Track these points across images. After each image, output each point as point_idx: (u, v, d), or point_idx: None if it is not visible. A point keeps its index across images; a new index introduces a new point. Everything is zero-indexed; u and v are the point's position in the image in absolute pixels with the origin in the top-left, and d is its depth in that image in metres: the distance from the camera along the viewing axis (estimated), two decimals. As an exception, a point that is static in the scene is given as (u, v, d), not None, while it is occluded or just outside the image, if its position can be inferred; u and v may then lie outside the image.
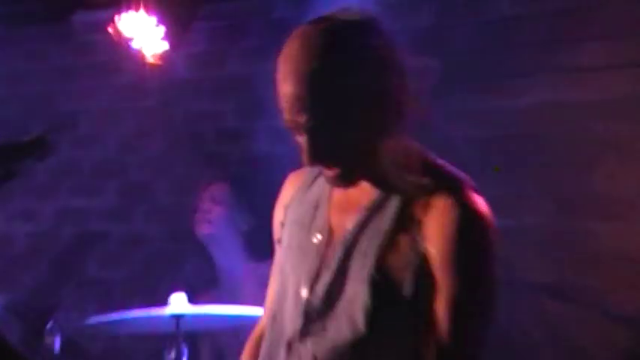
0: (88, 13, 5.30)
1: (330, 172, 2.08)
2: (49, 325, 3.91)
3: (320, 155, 2.03)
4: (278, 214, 2.33)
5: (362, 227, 2.09)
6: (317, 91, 1.99)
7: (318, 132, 2.00)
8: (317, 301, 2.09)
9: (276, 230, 2.32)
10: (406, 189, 2.05)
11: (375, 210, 2.09)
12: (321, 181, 2.21)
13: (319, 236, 2.14)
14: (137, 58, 4.33)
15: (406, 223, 2.03)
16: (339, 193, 2.17)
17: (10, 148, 2.19)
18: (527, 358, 4.22)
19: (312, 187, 2.25)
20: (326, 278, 2.08)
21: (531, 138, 4.33)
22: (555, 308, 4.20)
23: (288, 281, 2.17)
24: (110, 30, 4.48)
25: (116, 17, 4.55)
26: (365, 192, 2.12)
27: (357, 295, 2.03)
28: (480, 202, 2.04)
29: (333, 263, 2.09)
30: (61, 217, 5.41)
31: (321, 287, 2.09)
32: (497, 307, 2.03)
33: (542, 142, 4.29)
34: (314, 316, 2.08)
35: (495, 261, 2.02)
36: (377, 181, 2.10)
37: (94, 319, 3.98)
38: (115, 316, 3.85)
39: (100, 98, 5.27)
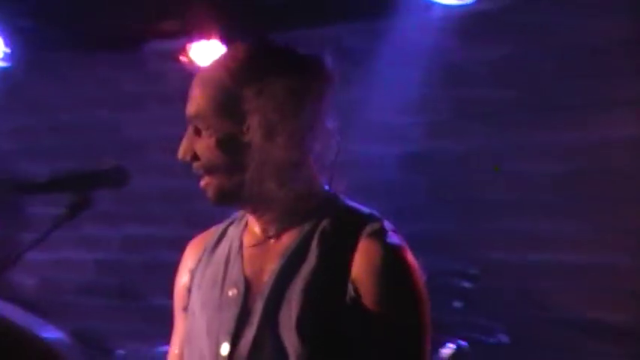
0: (160, 42, 5.33)
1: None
2: (117, 354, 3.90)
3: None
4: (181, 280, 2.25)
5: (282, 275, 1.99)
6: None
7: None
8: (242, 357, 1.98)
9: (180, 297, 2.23)
10: (324, 231, 1.98)
11: (294, 256, 2.00)
12: (229, 239, 2.13)
13: (234, 290, 2.04)
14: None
15: (330, 266, 1.95)
16: (251, 246, 2.08)
17: (88, 177, 2.17)
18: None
19: (217, 247, 2.16)
20: (250, 332, 1.98)
21: (608, 173, 4.23)
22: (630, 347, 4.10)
23: (203, 345, 2.05)
24: (182, 59, 4.49)
25: (188, 46, 4.57)
26: (280, 240, 2.04)
27: (287, 344, 1.93)
28: (405, 246, 1.97)
29: (255, 316, 1.98)
30: (128, 245, 5.42)
31: (246, 342, 1.98)
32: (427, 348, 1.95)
33: (620, 177, 4.20)
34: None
35: (427, 305, 1.95)
36: (288, 224, 2.03)
37: (161, 348, 3.95)
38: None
39: (169, 127, 5.27)
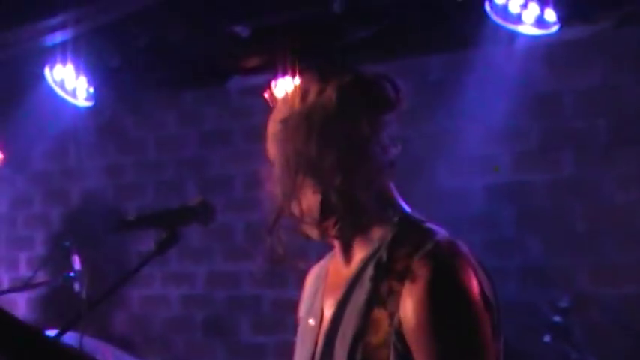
0: (244, 78, 5.37)
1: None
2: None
3: None
4: (298, 311, 2.24)
5: (342, 307, 1.95)
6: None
7: None
8: None
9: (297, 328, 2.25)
10: (382, 255, 1.91)
11: (353, 284, 1.95)
12: (324, 269, 2.12)
13: (312, 321, 2.04)
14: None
15: (383, 295, 1.88)
16: (332, 272, 2.06)
17: (175, 214, 2.18)
18: None
19: (320, 274, 2.16)
20: None
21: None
22: None
23: None
24: (266, 95, 4.51)
25: (272, 82, 4.60)
26: (351, 263, 1.99)
27: None
28: (458, 266, 1.86)
29: (320, 347, 1.96)
30: (215, 280, 5.45)
31: None
32: None
33: None
34: None
35: (478, 328, 1.84)
36: (359, 250, 1.97)
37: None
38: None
39: (254, 162, 5.30)
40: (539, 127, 4.61)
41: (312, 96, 1.96)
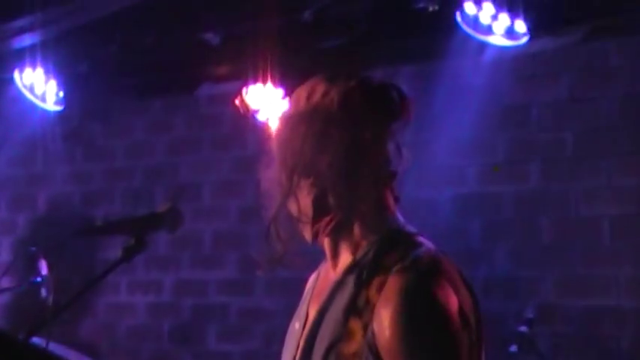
0: (214, 86, 5.36)
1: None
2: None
3: None
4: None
5: (323, 313, 1.95)
6: None
7: None
8: None
9: None
10: (364, 264, 1.90)
11: (336, 290, 1.94)
12: (319, 271, 2.12)
13: (297, 325, 2.03)
14: (262, 130, 4.34)
15: (360, 305, 1.86)
16: (322, 277, 2.06)
17: (144, 220, 2.17)
18: None
19: (314, 279, 2.16)
20: None
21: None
22: None
23: None
24: (236, 102, 4.51)
25: (243, 90, 4.59)
26: (337, 269, 1.98)
27: None
28: (434, 282, 1.84)
29: (299, 352, 1.96)
30: (182, 289, 5.42)
31: None
32: None
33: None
34: None
35: (451, 346, 1.81)
36: (347, 256, 1.96)
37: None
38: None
39: (222, 169, 5.30)
40: (506, 139, 4.63)
41: (316, 97, 1.95)
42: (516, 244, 4.55)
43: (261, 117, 4.50)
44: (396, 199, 2.00)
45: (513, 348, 3.91)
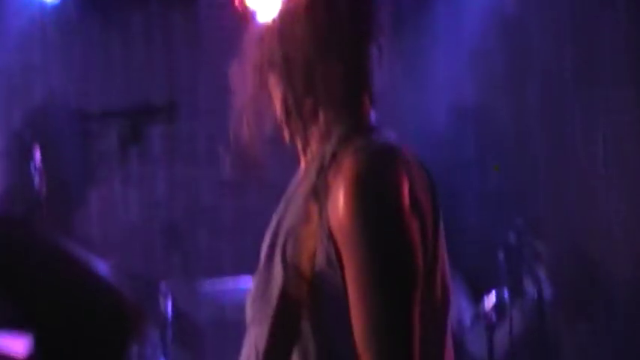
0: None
1: None
2: (161, 287, 3.93)
3: None
4: None
5: (289, 202, 2.03)
6: None
7: None
8: (253, 288, 2.05)
9: None
10: (327, 153, 1.96)
11: (301, 181, 2.02)
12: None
13: (274, 219, 2.07)
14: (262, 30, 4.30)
15: (319, 189, 1.92)
16: (297, 175, 2.11)
17: (141, 113, 2.17)
18: None
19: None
20: (260, 267, 2.03)
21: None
22: None
23: None
24: (236, 2, 4.46)
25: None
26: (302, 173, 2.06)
27: (275, 273, 1.96)
28: (385, 164, 1.90)
29: (267, 241, 2.03)
30: (175, 186, 5.44)
31: (256, 277, 2.04)
32: (415, 271, 1.87)
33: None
34: (253, 305, 2.05)
35: (400, 225, 1.87)
36: (315, 149, 2.02)
37: (204, 287, 3.99)
38: (225, 284, 3.86)
39: (221, 69, 5.26)
40: (506, 52, 4.60)
41: None
42: (511, 157, 4.56)
43: (260, 18, 4.47)
44: (372, 101, 2.03)
45: (501, 256, 3.96)
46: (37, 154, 4.06)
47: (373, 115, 2.04)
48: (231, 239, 5.17)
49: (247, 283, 3.79)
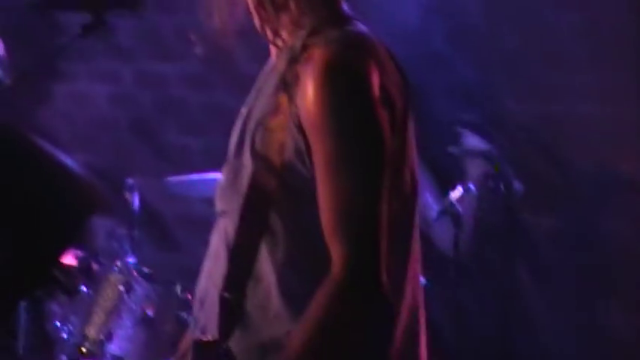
0: None
1: None
2: (128, 182, 3.92)
3: None
4: None
5: (259, 92, 2.02)
6: None
7: None
8: (223, 181, 2.05)
9: None
10: (295, 46, 1.95)
11: (271, 71, 2.01)
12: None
13: (243, 110, 2.07)
14: None
15: (289, 80, 1.92)
16: (268, 65, 2.10)
17: (105, 2, 2.12)
18: None
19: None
20: (230, 158, 2.03)
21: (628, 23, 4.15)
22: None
23: None
24: None
25: None
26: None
27: (245, 161, 1.96)
28: (355, 54, 1.89)
29: (236, 133, 2.03)
30: (142, 81, 5.38)
31: (225, 168, 2.05)
32: (382, 158, 1.87)
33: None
34: (223, 197, 2.05)
35: (369, 116, 1.87)
36: (286, 40, 2.01)
37: (172, 180, 3.99)
38: (192, 177, 3.86)
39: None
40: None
41: None
42: (480, 50, 4.53)
43: None
44: None
45: (454, 150, 3.97)
46: (0, 43, 3.99)
47: (346, 7, 2.02)
48: (200, 134, 5.14)
49: (216, 177, 3.81)
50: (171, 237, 5.20)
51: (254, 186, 1.93)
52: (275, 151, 1.91)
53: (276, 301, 1.94)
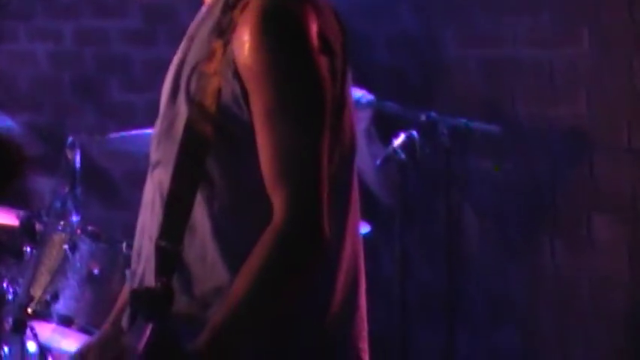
0: None
1: None
2: (69, 140, 3.87)
3: None
4: None
5: (192, 40, 1.99)
6: None
7: None
8: (157, 130, 2.03)
9: None
10: None
11: (205, 18, 1.99)
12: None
13: (175, 59, 2.05)
14: None
15: (223, 26, 1.90)
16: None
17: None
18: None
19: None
20: (163, 107, 2.02)
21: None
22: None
23: None
24: None
25: None
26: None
27: (180, 110, 1.94)
28: (295, 3, 1.87)
29: (169, 81, 2.01)
30: (83, 38, 5.30)
31: (160, 118, 2.03)
32: (322, 105, 1.86)
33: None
34: (158, 147, 2.02)
35: (307, 64, 1.85)
36: None
37: (114, 136, 3.95)
38: (135, 133, 3.83)
39: None
40: None
41: None
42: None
43: None
44: None
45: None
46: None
47: None
48: (143, 90, 5.08)
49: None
50: (117, 194, 5.16)
51: (189, 133, 1.91)
52: (210, 96, 1.88)
53: (212, 251, 1.93)
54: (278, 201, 1.84)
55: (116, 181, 5.15)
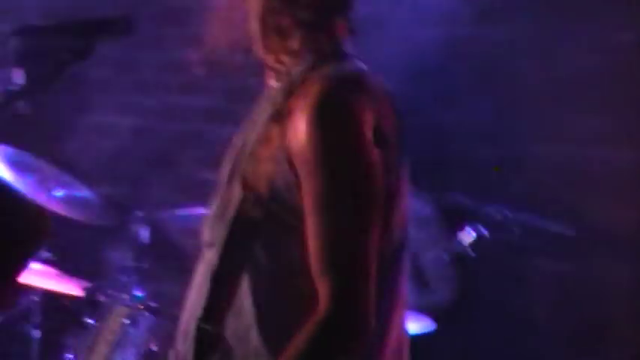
0: None
1: None
2: (137, 214, 3.91)
3: None
4: None
5: (250, 128, 2.03)
6: None
7: None
8: (212, 211, 2.05)
9: None
10: (292, 80, 1.96)
11: (267, 102, 2.01)
12: None
13: (239, 138, 2.08)
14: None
15: (282, 112, 1.92)
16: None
17: (93, 24, 2.11)
18: None
19: None
20: (220, 189, 2.04)
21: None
22: None
23: None
24: None
25: None
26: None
27: (235, 193, 1.96)
28: (350, 94, 1.88)
29: (231, 161, 2.04)
30: (167, 114, 5.38)
31: (216, 200, 2.05)
32: (374, 198, 1.86)
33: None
34: (211, 228, 2.05)
35: (360, 156, 1.85)
36: (284, 70, 2.02)
37: (184, 212, 3.98)
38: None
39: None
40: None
41: None
42: (501, 90, 4.47)
43: None
44: (350, 31, 2.04)
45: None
46: (19, 72, 3.98)
47: (349, 44, 2.02)
48: (216, 166, 5.11)
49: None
50: (188, 270, 5.16)
51: (240, 216, 1.93)
52: (263, 181, 1.90)
53: (255, 335, 1.93)
54: (324, 290, 1.83)
55: (188, 257, 5.16)
